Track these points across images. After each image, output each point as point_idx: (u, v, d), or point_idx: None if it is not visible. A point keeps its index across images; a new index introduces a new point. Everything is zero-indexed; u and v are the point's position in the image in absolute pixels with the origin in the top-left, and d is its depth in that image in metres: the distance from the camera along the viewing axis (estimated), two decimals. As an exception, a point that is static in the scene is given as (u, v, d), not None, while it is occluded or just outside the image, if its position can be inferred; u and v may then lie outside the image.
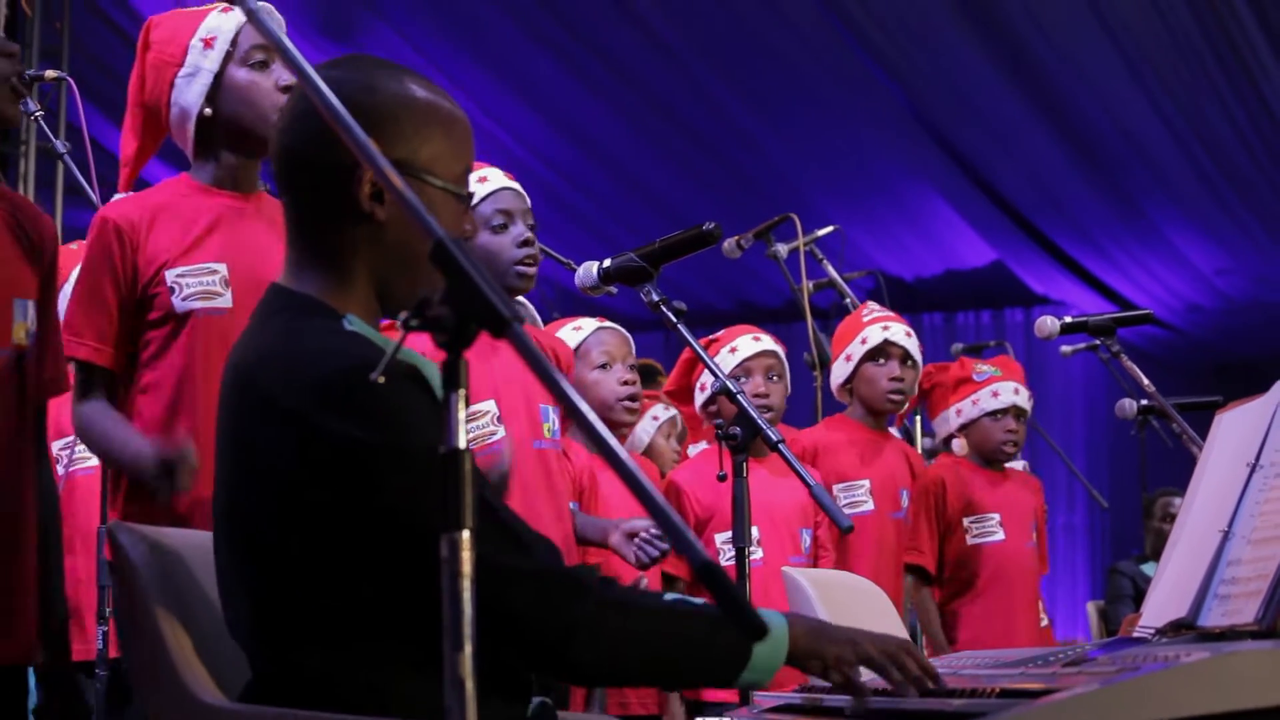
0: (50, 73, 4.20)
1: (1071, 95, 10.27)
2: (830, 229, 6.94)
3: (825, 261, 6.78)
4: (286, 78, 3.38)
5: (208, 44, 3.38)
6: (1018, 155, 11.13)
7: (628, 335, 4.95)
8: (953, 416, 6.05)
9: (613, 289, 3.41)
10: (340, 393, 1.92)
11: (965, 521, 5.86)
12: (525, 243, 4.04)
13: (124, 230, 3.32)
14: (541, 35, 9.86)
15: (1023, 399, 6.02)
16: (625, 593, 2.25)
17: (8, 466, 3.18)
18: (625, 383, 4.81)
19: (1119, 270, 12.56)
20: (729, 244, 6.45)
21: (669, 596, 2.28)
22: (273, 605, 2.22)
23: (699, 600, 2.31)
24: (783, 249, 6.63)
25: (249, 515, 2.22)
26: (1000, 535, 5.87)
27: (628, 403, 4.78)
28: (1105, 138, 10.78)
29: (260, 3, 2.16)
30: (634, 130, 10.99)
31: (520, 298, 4.24)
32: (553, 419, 4.13)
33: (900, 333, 5.70)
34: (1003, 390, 5.98)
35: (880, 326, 5.70)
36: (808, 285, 6.67)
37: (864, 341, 5.67)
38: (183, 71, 3.39)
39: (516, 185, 4.13)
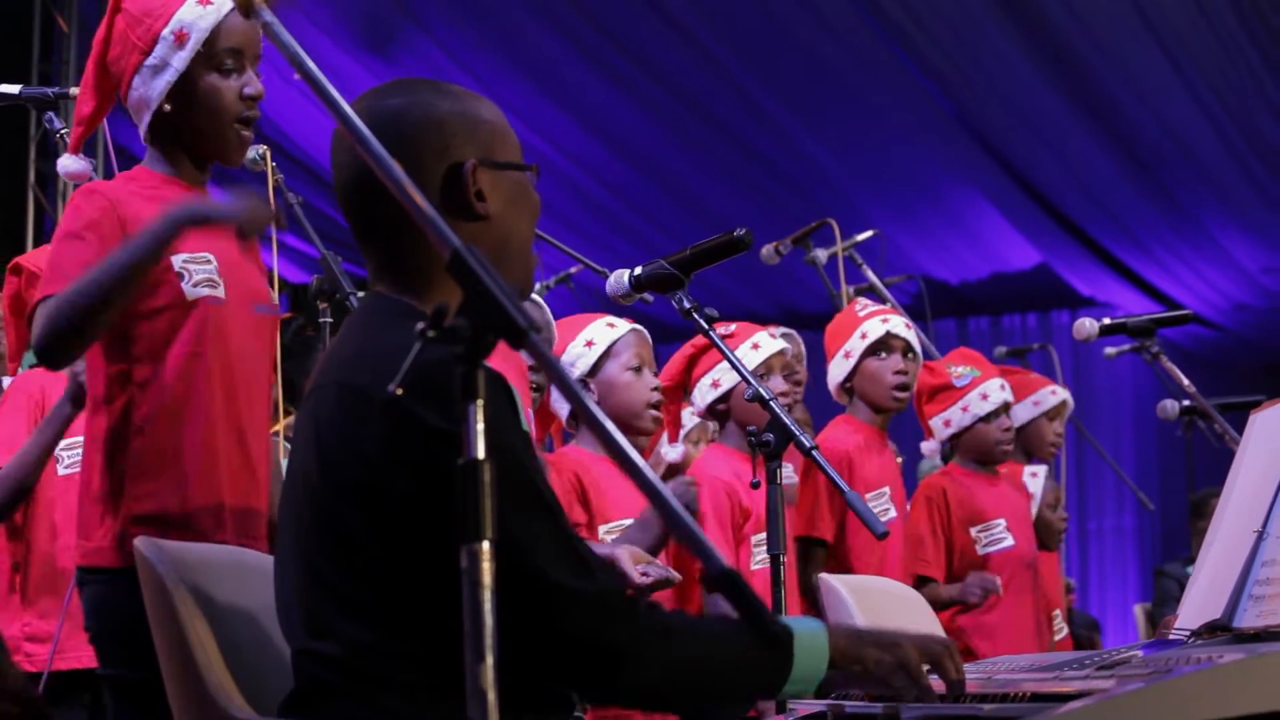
0: (74, 89, 4.15)
1: (1116, 95, 10.22)
2: (869, 234, 6.89)
3: (865, 266, 6.75)
4: (254, 86, 3.28)
5: (179, 39, 3.23)
6: (1062, 156, 11.08)
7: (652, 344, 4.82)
8: (940, 428, 5.89)
9: (647, 297, 3.42)
10: (429, 384, 1.95)
11: (972, 531, 5.71)
12: None
13: (115, 204, 3.17)
14: (580, 43, 9.86)
15: (1009, 393, 5.88)
16: (670, 617, 2.27)
17: None
18: (654, 389, 4.70)
19: (1165, 271, 12.48)
20: (767, 250, 6.42)
21: (712, 615, 2.29)
22: (339, 593, 2.23)
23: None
24: (822, 255, 6.60)
25: (332, 511, 2.24)
26: (1009, 541, 5.72)
27: (653, 411, 4.66)
28: (1150, 138, 10.71)
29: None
30: (673, 135, 10.98)
31: (534, 295, 4.20)
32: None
33: (900, 324, 5.53)
34: (990, 390, 5.81)
35: (879, 319, 5.52)
36: (848, 290, 6.65)
37: (864, 336, 5.48)
38: (149, 61, 3.25)
39: None
